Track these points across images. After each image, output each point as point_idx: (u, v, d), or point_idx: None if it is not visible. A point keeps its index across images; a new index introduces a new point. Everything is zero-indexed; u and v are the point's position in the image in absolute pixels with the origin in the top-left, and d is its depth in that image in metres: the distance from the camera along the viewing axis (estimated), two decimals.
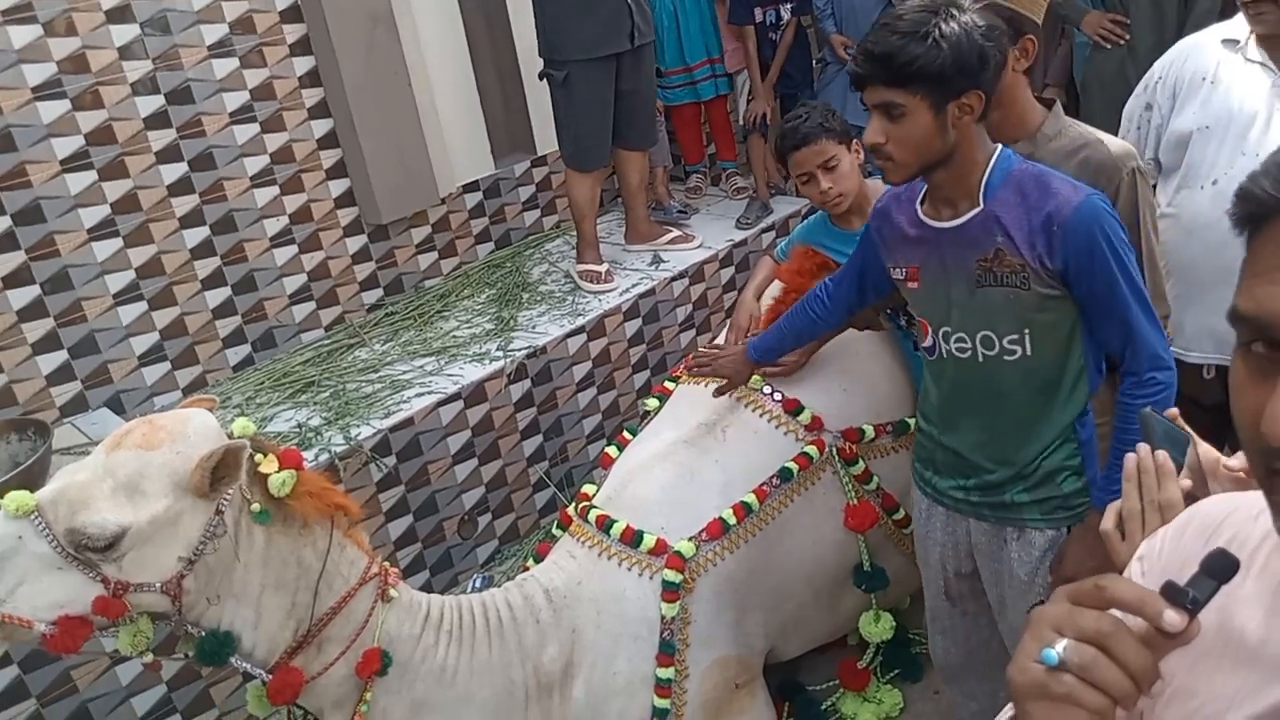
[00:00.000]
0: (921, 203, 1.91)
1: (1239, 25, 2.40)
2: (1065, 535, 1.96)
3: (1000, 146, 1.85)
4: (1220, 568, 0.72)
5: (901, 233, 1.95)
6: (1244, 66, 2.36)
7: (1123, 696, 0.71)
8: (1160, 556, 0.94)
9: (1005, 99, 2.00)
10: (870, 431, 2.59)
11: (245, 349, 3.61)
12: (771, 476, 2.46)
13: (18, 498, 1.66)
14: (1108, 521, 1.17)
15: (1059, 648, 0.72)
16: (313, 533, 1.90)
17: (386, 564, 2.06)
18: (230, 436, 1.82)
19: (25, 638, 1.65)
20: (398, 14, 3.75)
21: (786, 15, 4.55)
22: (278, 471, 1.81)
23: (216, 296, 3.52)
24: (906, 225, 1.94)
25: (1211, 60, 2.42)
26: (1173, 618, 0.71)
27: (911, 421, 2.63)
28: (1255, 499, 0.81)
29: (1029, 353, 1.84)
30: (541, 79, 3.90)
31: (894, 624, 2.64)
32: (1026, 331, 1.83)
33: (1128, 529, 1.13)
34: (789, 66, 4.66)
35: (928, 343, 1.98)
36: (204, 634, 1.82)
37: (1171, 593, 0.71)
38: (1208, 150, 2.37)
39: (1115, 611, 0.73)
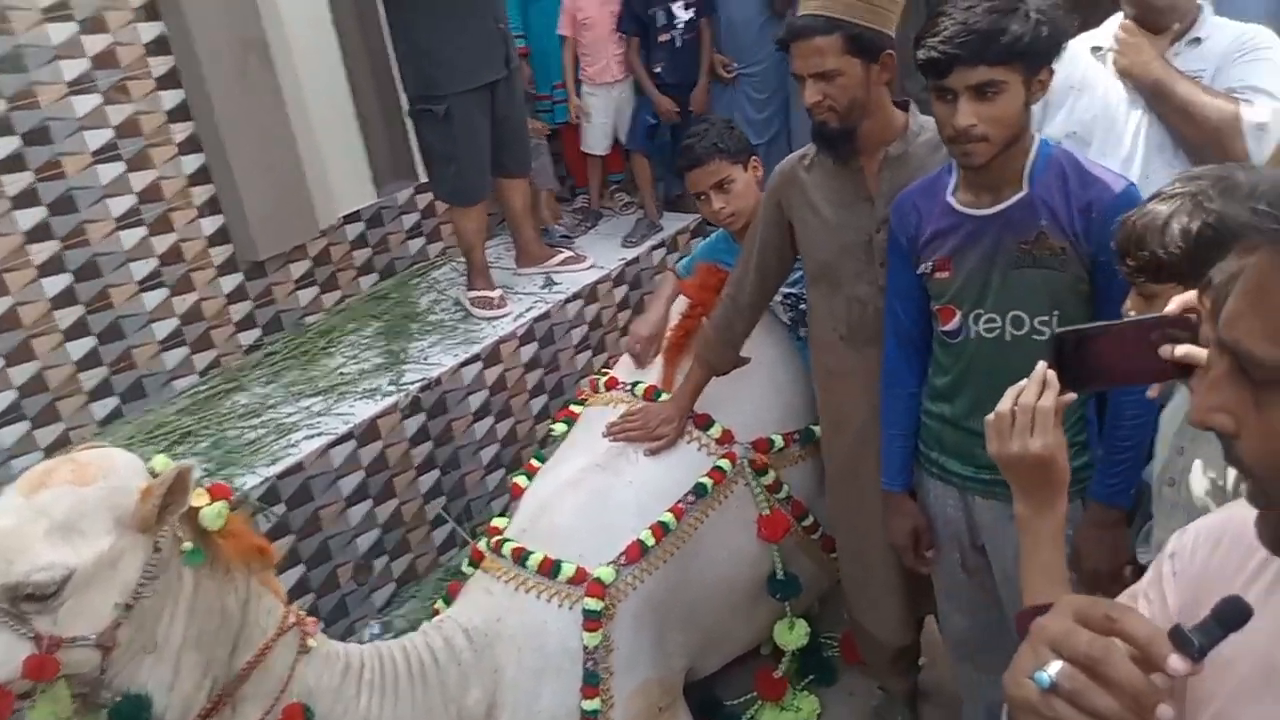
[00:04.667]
0: (952, 193, 1.95)
1: (1105, 33, 2.49)
2: (1074, 505, 1.95)
3: (1040, 136, 1.91)
4: (1231, 616, 0.73)
5: (930, 228, 1.97)
6: (1105, 73, 2.45)
7: None
8: (1193, 561, 0.93)
9: (873, 109, 2.09)
10: (779, 441, 2.59)
11: (113, 401, 3.38)
12: (686, 493, 2.43)
13: None
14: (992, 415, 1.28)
15: (1052, 670, 0.73)
16: (234, 579, 1.78)
17: (302, 612, 1.94)
18: (151, 474, 1.71)
19: None
20: (271, 41, 3.61)
21: (681, 14, 4.54)
22: (210, 504, 1.70)
23: (80, 347, 3.29)
24: (936, 218, 1.96)
25: (1079, 68, 2.49)
26: (1176, 663, 0.70)
27: (816, 429, 2.65)
28: None
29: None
30: (412, 118, 3.79)
31: (808, 630, 2.63)
32: (1056, 313, 1.87)
33: (997, 428, 1.25)
34: (679, 75, 4.65)
35: (950, 326, 2.00)
36: (119, 700, 1.66)
37: (1179, 638, 0.71)
38: None
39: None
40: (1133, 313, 1.54)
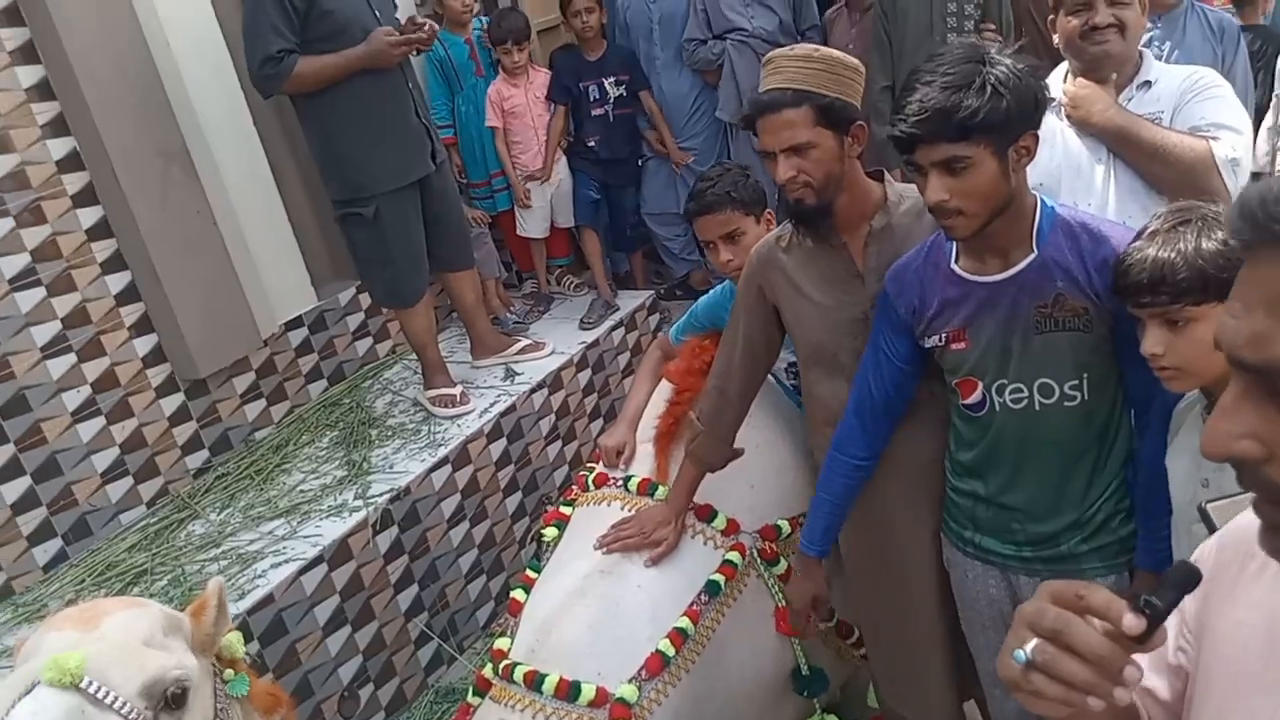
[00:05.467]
0: (955, 261, 1.87)
1: (1053, 85, 2.49)
2: (1125, 579, 1.91)
3: (1039, 196, 1.83)
4: (1183, 578, 0.80)
5: (937, 298, 1.88)
6: (1061, 124, 2.45)
7: (1086, 686, 0.78)
8: (1206, 565, 0.93)
9: (848, 183, 2.02)
10: (786, 527, 2.46)
11: (55, 544, 3.12)
12: (699, 593, 2.28)
13: (68, 659, 1.28)
14: None
15: (1028, 648, 0.80)
16: None
17: None
18: None
19: None
20: (192, 148, 3.44)
21: (612, 90, 4.54)
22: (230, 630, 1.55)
23: (14, 489, 3.03)
24: (942, 287, 1.87)
25: None
26: (1130, 621, 0.77)
27: None
28: None
29: (1087, 397, 1.81)
30: (339, 223, 3.61)
31: None
32: (1085, 376, 1.80)
33: None
34: (602, 151, 4.63)
35: (972, 400, 1.90)
36: None
37: (1136, 602, 0.78)
38: None
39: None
40: (1159, 350, 1.54)
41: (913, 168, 1.77)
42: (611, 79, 4.53)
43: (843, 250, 2.10)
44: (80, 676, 1.28)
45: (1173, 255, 1.52)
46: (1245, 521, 0.91)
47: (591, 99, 4.55)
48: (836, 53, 2.02)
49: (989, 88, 1.65)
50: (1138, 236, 1.65)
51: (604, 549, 2.34)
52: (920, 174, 1.75)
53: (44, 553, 3.09)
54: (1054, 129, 2.40)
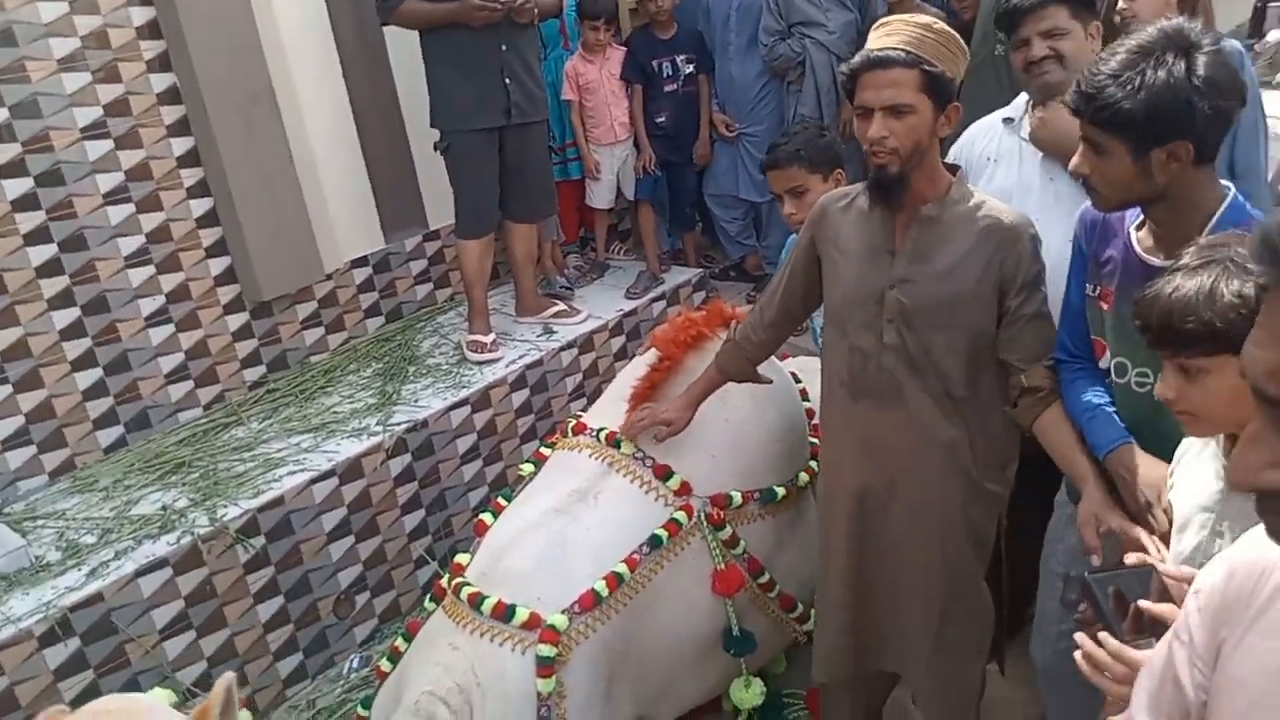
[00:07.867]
0: (1137, 229, 1.85)
1: (1018, 104, 2.56)
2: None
3: (1234, 192, 1.75)
4: None
5: (1107, 254, 1.88)
6: (1020, 143, 2.50)
7: None
8: (1213, 595, 0.97)
9: (928, 160, 2.04)
10: (738, 498, 2.61)
11: (118, 430, 3.52)
12: (641, 544, 2.46)
13: None
14: None
15: None
16: None
17: None
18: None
19: None
20: (280, 91, 3.77)
21: (684, 67, 4.75)
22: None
23: (88, 378, 3.43)
24: (1114, 248, 1.87)
25: (995, 139, 2.56)
26: None
27: (780, 490, 2.68)
28: None
29: None
30: (436, 149, 3.98)
31: (763, 689, 2.64)
32: None
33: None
34: (670, 127, 4.83)
35: (1103, 364, 1.94)
36: None
37: None
38: None
39: None
40: (1171, 395, 1.47)
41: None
42: (682, 56, 4.75)
43: (888, 223, 2.12)
44: None
45: (1180, 300, 1.41)
46: (1251, 553, 0.94)
47: (664, 75, 4.77)
48: (953, 33, 2.03)
49: (1130, 87, 1.64)
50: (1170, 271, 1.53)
51: (625, 435, 2.58)
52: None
53: (106, 436, 3.49)
54: (1013, 149, 2.48)
